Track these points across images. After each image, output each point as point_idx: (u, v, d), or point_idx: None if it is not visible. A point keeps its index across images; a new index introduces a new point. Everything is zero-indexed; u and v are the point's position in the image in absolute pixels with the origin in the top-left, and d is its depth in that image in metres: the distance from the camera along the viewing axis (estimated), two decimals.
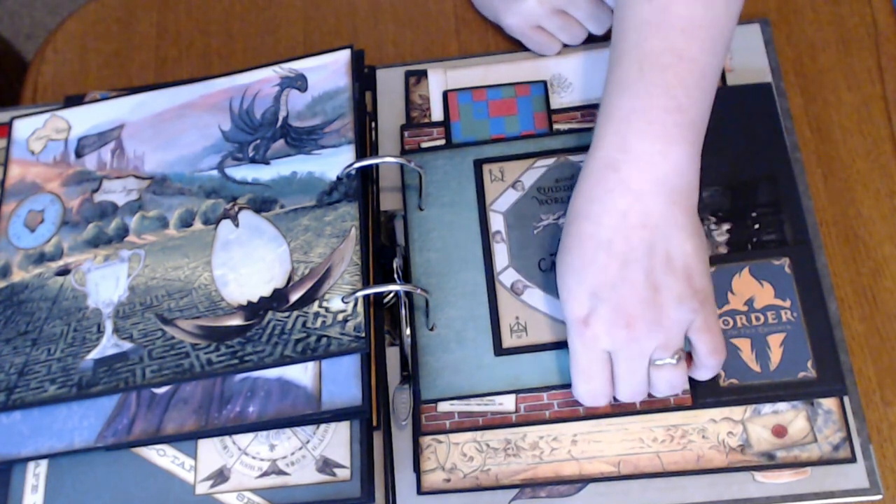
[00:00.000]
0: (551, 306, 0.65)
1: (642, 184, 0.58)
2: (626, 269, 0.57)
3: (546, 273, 0.66)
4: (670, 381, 0.60)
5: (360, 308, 0.63)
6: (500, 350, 0.64)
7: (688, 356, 0.60)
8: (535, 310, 0.65)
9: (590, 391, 0.60)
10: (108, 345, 0.66)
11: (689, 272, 0.58)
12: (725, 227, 0.66)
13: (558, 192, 0.68)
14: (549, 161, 0.70)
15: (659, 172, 0.58)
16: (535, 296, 0.65)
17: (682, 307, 0.57)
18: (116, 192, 0.72)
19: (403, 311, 0.66)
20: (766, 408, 0.62)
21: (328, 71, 0.72)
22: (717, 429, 0.61)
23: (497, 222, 0.68)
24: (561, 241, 0.61)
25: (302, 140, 0.70)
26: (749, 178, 0.67)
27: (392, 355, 0.66)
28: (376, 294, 0.65)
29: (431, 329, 0.65)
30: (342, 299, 0.63)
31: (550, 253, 0.66)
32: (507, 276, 0.66)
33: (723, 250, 0.65)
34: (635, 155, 0.58)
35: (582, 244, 0.59)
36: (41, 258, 0.70)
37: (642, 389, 0.60)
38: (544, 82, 0.74)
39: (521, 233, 0.67)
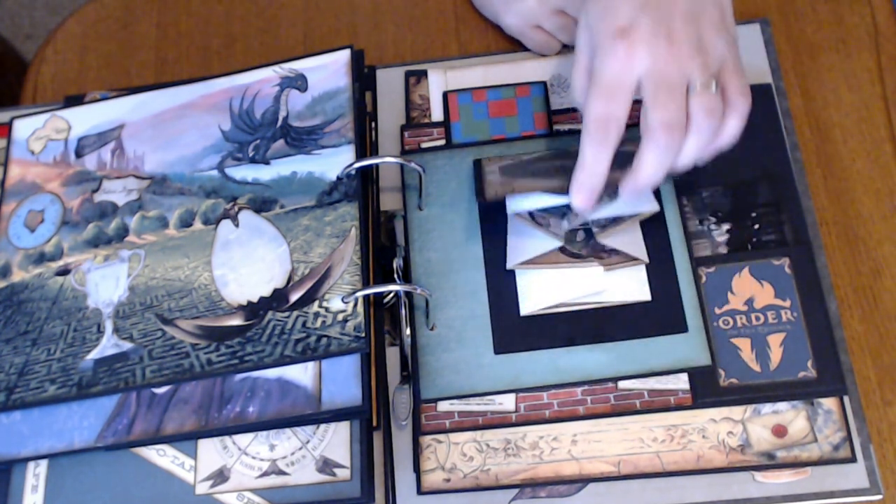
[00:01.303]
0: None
1: None
2: None
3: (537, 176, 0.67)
4: (710, 108, 0.56)
5: (360, 308, 0.63)
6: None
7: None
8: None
9: (606, 115, 0.56)
10: (108, 345, 0.66)
11: (722, 9, 0.58)
12: (725, 227, 0.66)
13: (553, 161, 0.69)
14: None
15: None
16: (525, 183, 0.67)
17: (720, 37, 0.57)
18: (116, 192, 0.72)
19: (403, 311, 0.66)
20: (766, 407, 0.62)
21: (328, 71, 0.72)
22: (717, 429, 0.61)
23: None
24: None
25: (302, 140, 0.70)
26: (749, 178, 0.67)
27: (392, 355, 0.66)
28: (376, 294, 0.65)
29: (432, 329, 0.65)
30: (342, 299, 0.63)
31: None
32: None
33: (723, 250, 0.65)
34: None
35: None
36: (41, 258, 0.70)
37: (680, 121, 0.56)
38: (544, 83, 0.74)
39: (514, 165, 0.69)
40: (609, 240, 0.65)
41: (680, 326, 0.63)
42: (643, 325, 0.64)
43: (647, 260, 0.65)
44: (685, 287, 0.64)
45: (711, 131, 0.57)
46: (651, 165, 0.57)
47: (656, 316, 0.64)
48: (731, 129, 0.58)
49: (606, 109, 0.56)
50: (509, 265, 0.66)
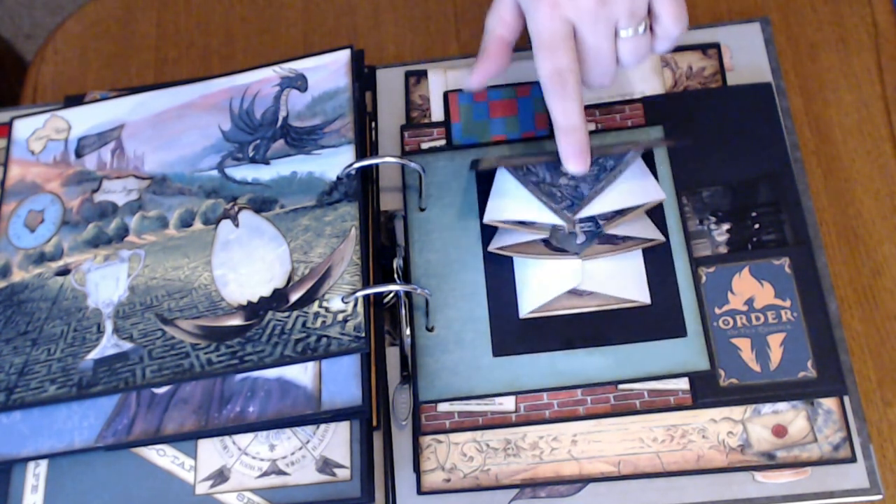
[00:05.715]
0: None
1: None
2: None
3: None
4: (636, 51, 0.62)
5: (360, 308, 0.63)
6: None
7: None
8: None
9: (556, 69, 0.61)
10: (108, 345, 0.66)
11: None
12: (725, 227, 0.66)
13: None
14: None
15: None
16: None
17: None
18: (116, 192, 0.72)
19: (403, 311, 0.66)
20: (766, 408, 0.62)
21: (328, 71, 0.72)
22: (717, 429, 0.61)
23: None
24: None
25: (302, 140, 0.70)
26: (749, 178, 0.67)
27: (392, 355, 0.66)
28: (376, 294, 0.65)
29: (431, 330, 0.65)
30: (342, 299, 0.63)
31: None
32: None
33: (723, 250, 0.65)
34: None
35: None
36: (41, 258, 0.70)
37: (610, 66, 0.62)
38: None
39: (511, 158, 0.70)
40: (619, 229, 0.65)
41: (679, 331, 0.63)
42: (642, 329, 0.64)
43: (662, 239, 0.65)
44: (685, 291, 0.64)
45: (638, 62, 0.63)
46: (592, 78, 0.63)
47: (655, 320, 0.64)
48: (662, 50, 0.65)
49: (554, 64, 0.61)
50: (486, 220, 0.66)
